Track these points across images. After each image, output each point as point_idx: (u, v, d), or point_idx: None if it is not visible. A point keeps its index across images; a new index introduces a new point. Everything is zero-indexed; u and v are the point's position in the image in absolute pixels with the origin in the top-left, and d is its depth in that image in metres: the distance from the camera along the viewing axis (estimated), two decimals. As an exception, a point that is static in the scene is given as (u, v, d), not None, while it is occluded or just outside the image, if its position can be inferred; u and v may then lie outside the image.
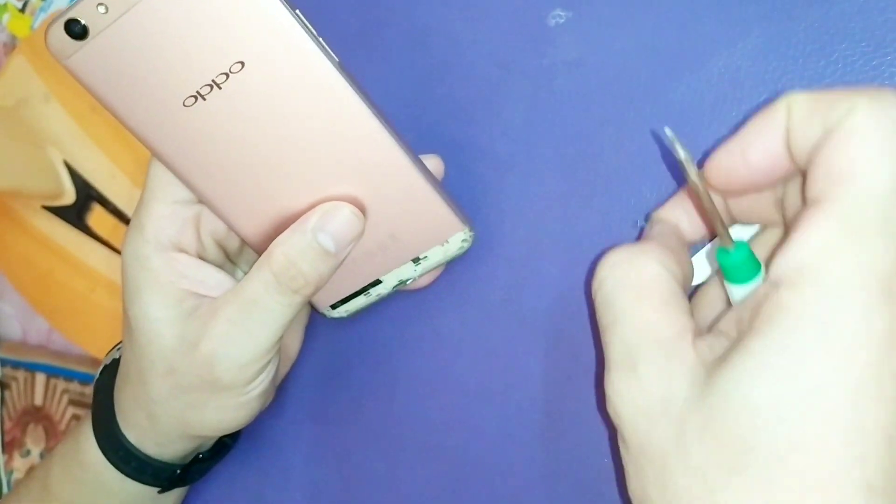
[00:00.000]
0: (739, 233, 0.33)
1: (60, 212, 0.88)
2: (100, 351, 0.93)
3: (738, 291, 0.29)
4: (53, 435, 0.93)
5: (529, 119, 0.39)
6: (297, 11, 0.30)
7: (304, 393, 0.44)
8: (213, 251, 0.38)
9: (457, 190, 0.40)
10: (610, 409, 0.28)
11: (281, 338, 0.36)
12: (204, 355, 0.34)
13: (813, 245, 0.23)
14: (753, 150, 0.27)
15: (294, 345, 0.42)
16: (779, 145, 0.26)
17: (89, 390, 0.90)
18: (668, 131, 0.28)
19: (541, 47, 0.39)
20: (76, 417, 0.93)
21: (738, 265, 0.29)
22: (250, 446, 0.45)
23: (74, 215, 0.89)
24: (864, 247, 0.22)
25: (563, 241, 0.38)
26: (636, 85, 0.37)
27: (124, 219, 0.83)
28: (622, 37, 0.38)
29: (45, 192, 0.87)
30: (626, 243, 0.30)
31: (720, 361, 0.24)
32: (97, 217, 0.88)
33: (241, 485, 0.45)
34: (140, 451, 0.39)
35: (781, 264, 0.24)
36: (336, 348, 0.43)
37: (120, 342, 0.43)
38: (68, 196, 0.89)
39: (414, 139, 0.41)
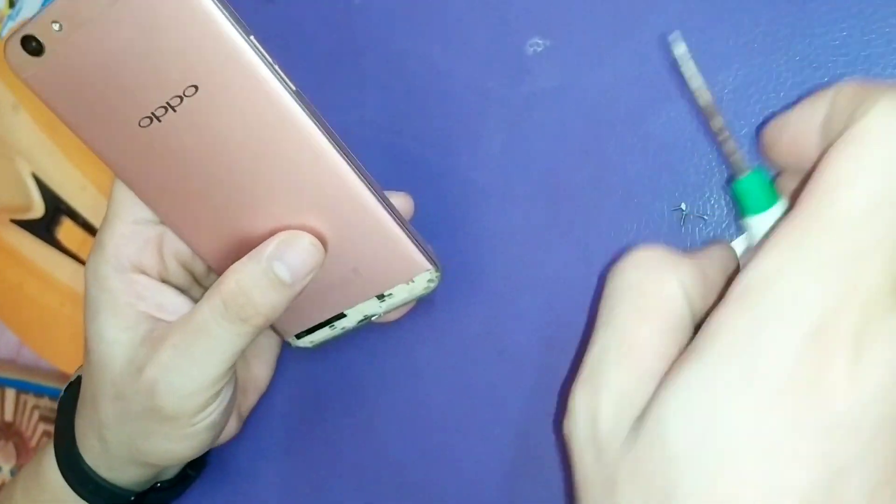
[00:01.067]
0: (737, 246, 0.32)
1: (29, 225, 0.86)
2: (70, 366, 0.92)
3: (757, 225, 0.28)
4: (24, 451, 0.91)
5: (508, 148, 0.38)
6: (252, 38, 0.29)
7: (276, 424, 0.43)
8: (177, 273, 0.37)
9: (433, 220, 0.39)
10: (565, 426, 0.25)
11: (232, 368, 0.34)
12: (147, 382, 0.33)
13: (763, 267, 0.21)
14: (787, 133, 0.25)
15: (263, 374, 0.41)
16: (812, 133, 0.24)
17: (60, 406, 0.89)
18: (676, 47, 0.26)
19: (519, 75, 0.38)
20: (47, 434, 0.91)
21: (754, 189, 0.27)
22: (220, 478, 0.44)
23: (43, 229, 0.87)
24: (811, 282, 0.20)
25: (543, 273, 0.37)
26: (616, 115, 0.37)
27: (94, 232, 0.82)
28: (601, 66, 0.37)
29: (14, 205, 0.86)
30: (664, 245, 0.26)
31: (655, 394, 0.23)
32: (66, 230, 0.87)
33: (213, 518, 0.44)
34: (96, 474, 0.38)
35: (741, 276, 0.22)
36: (311, 380, 0.42)
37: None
38: (37, 209, 0.87)
39: (389, 167, 0.40)
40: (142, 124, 0.31)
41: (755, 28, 0.34)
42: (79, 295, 0.85)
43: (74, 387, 0.40)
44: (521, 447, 0.37)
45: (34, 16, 0.29)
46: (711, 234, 0.35)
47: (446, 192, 0.40)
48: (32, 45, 0.29)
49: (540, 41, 0.38)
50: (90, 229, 0.81)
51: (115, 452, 0.37)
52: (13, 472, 0.90)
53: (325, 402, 0.42)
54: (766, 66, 0.34)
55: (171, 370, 0.33)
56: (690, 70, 0.27)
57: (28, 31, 0.29)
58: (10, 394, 0.91)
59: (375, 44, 0.42)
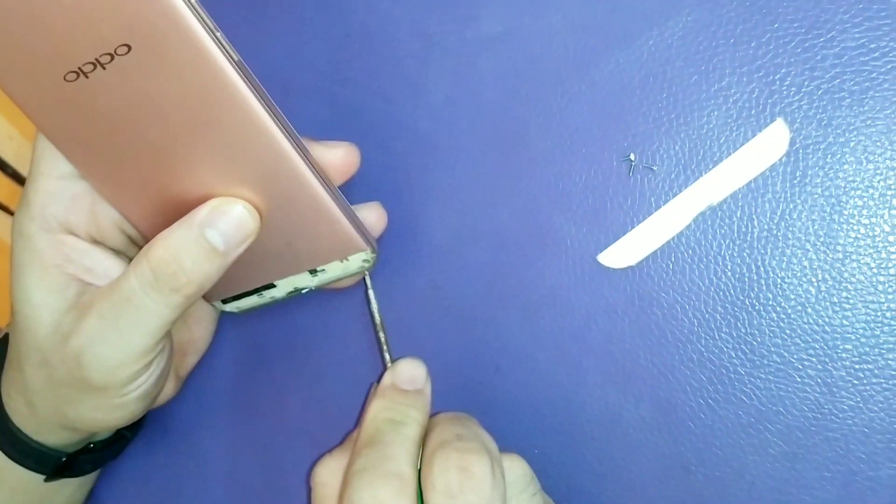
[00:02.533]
0: None
1: (-46, 175, 0.82)
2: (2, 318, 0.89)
3: None
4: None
5: (453, 96, 0.37)
6: (193, 1, 0.27)
7: (219, 383, 0.42)
8: (112, 234, 0.34)
9: (376, 171, 0.38)
10: None
11: (164, 339, 0.33)
12: (73, 351, 0.32)
13: None
14: None
15: (203, 335, 0.40)
16: None
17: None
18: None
19: (464, 20, 0.37)
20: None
21: None
22: (161, 438, 0.43)
23: (-29, 179, 0.83)
24: None
25: (489, 225, 0.37)
26: (563, 62, 0.35)
27: (23, 182, 0.78)
28: (549, 12, 0.36)
29: (-64, 154, 0.82)
30: (372, 470, 0.29)
31: None
32: (-5, 180, 0.83)
33: (158, 478, 0.43)
34: (25, 435, 0.36)
35: None
36: (255, 337, 0.41)
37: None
38: (-37, 160, 0.83)
39: (329, 116, 0.39)
40: (67, 79, 0.29)
41: (705, -29, 0.33)
42: (8, 247, 0.82)
43: (1, 345, 0.38)
44: (465, 399, 0.37)
45: None
46: (660, 184, 0.34)
47: (389, 142, 0.38)
48: None
49: (485, -17, 0.37)
50: (19, 179, 0.78)
51: (43, 416, 0.35)
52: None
53: (270, 360, 0.41)
54: (716, 12, 0.33)
55: (96, 341, 0.31)
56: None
57: None
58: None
59: (312, -16, 0.40)
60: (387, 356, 0.36)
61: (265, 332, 0.41)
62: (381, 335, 0.36)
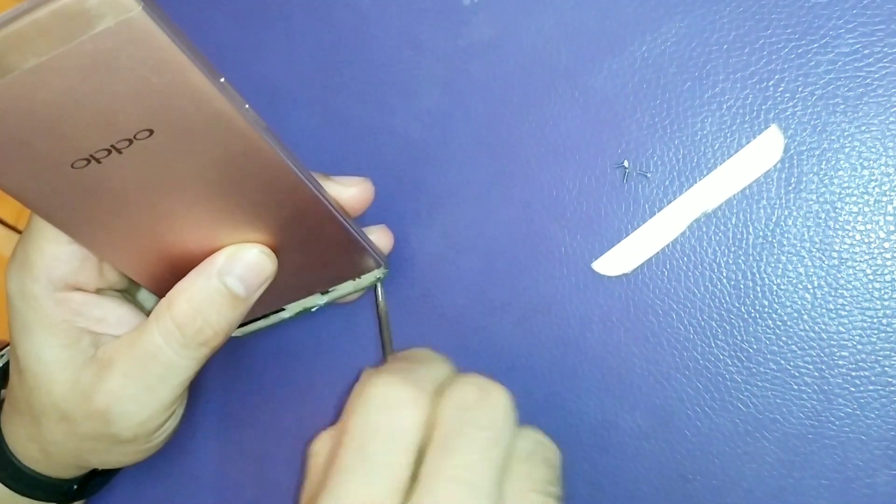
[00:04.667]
0: None
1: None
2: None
3: None
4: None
5: (445, 103, 0.37)
6: (223, 80, 0.25)
7: (211, 395, 0.41)
8: (113, 278, 0.34)
9: (371, 178, 0.37)
10: None
11: (187, 388, 0.33)
12: (98, 410, 0.31)
13: None
14: None
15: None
16: None
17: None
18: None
19: (455, 27, 0.37)
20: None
21: None
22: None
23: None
24: None
25: (483, 233, 0.36)
26: (556, 69, 0.35)
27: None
28: (541, 17, 0.35)
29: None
30: (399, 374, 0.28)
31: None
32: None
33: (148, 491, 0.42)
34: (35, 472, 0.36)
35: None
36: (247, 349, 0.41)
37: (2, 347, 0.39)
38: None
39: (320, 123, 0.39)
40: (75, 166, 0.26)
41: (698, -23, 0.33)
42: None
43: None
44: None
45: None
46: (655, 191, 0.34)
47: (381, 150, 0.38)
48: None
49: (477, -10, 0.36)
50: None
51: (59, 461, 0.35)
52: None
53: (262, 371, 0.40)
54: (709, 18, 0.33)
55: (123, 399, 0.31)
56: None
57: None
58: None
59: (303, -8, 0.39)
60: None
61: (256, 341, 0.40)
62: (387, 334, 0.36)
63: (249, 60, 0.40)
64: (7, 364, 0.37)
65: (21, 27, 0.21)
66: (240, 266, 0.30)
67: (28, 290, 0.31)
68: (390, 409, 0.26)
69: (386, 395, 0.26)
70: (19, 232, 0.80)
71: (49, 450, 0.34)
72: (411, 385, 0.27)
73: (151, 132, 0.25)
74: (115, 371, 0.31)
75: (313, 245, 0.32)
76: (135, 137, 0.25)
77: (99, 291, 0.33)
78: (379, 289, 0.37)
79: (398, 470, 0.25)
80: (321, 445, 0.29)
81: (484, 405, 0.26)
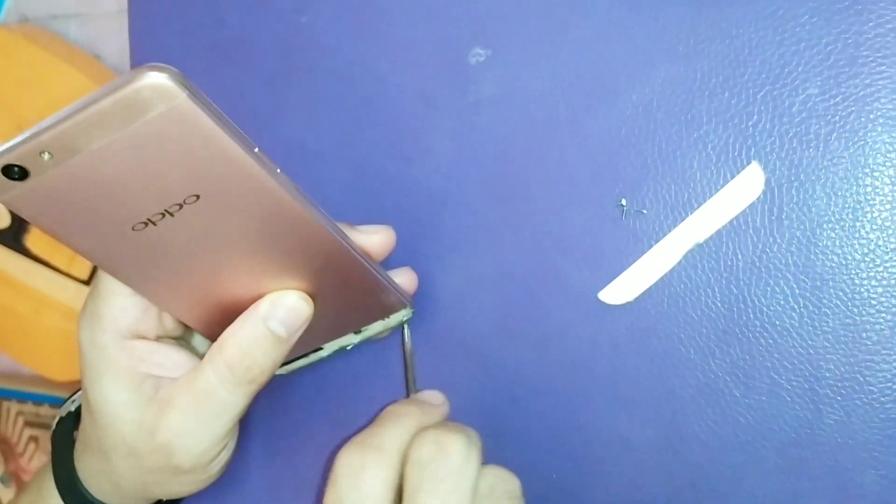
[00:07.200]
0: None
1: (-4, 236, 0.86)
2: (49, 370, 0.93)
3: None
4: (12, 457, 0.93)
5: (458, 154, 0.41)
6: (257, 150, 0.29)
7: (260, 429, 0.45)
8: (171, 325, 0.38)
9: (393, 225, 0.41)
10: None
11: (237, 423, 0.37)
12: (161, 444, 0.35)
13: None
14: None
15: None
16: None
17: (44, 411, 0.90)
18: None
19: (463, 84, 0.41)
20: (33, 439, 0.93)
21: None
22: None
23: (11, 238, 0.88)
24: None
25: (498, 269, 0.40)
26: (556, 119, 0.39)
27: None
28: (540, 73, 0.39)
29: (-22, 217, 0.86)
30: (360, 441, 0.33)
31: None
32: (35, 238, 0.88)
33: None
34: None
35: None
36: (290, 386, 0.45)
37: (75, 392, 0.43)
38: (3, 219, 0.88)
39: (345, 177, 0.43)
40: (135, 228, 0.30)
41: (678, 31, 0.37)
42: (53, 300, 0.86)
43: (66, 422, 0.42)
44: (484, 429, 0.40)
45: (18, 140, 0.26)
46: (651, 226, 0.37)
47: (403, 199, 0.42)
48: (15, 172, 0.26)
49: (481, 51, 0.40)
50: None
51: (128, 493, 0.39)
52: (3, 479, 0.92)
53: (304, 406, 0.44)
54: (691, 67, 0.37)
55: (183, 434, 0.35)
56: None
57: (11, 160, 0.26)
58: (-7, 402, 0.92)
59: (325, 60, 0.43)
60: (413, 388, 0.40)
61: (299, 378, 0.44)
62: (411, 370, 0.40)
63: (279, 123, 0.44)
64: (79, 407, 0.41)
65: (88, 115, 0.25)
66: (281, 311, 0.34)
67: (98, 340, 0.35)
68: (354, 476, 0.32)
69: (350, 464, 0.32)
70: (75, 278, 0.85)
71: (119, 483, 0.38)
72: (371, 450, 0.32)
73: (198, 197, 0.29)
74: (175, 409, 0.35)
75: (344, 289, 0.36)
76: (184, 202, 0.29)
77: (158, 339, 0.37)
78: (406, 329, 0.41)
79: None
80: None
81: (440, 458, 0.31)
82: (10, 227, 0.88)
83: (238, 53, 0.45)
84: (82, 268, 0.84)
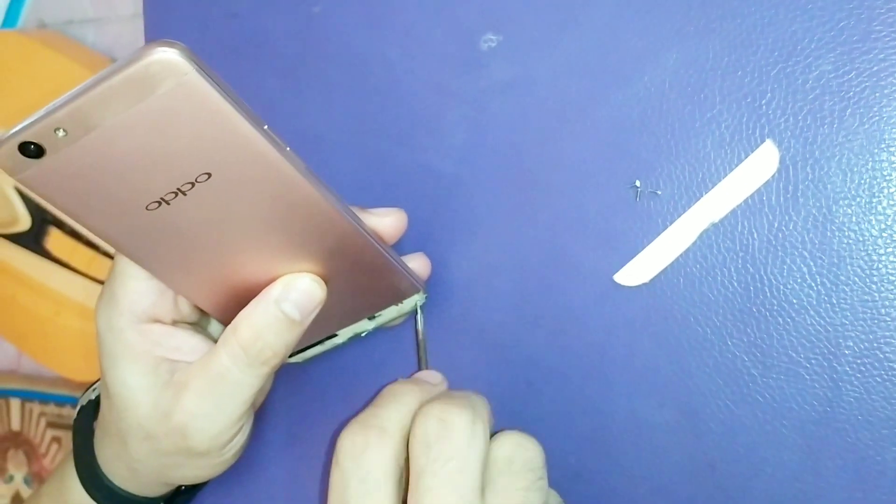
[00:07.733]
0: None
1: (17, 238, 0.87)
2: (71, 371, 0.94)
3: None
4: (35, 458, 0.94)
5: (470, 140, 0.41)
6: (266, 127, 0.29)
7: (280, 418, 0.45)
8: (187, 310, 0.39)
9: (408, 213, 0.41)
10: None
11: (252, 404, 0.37)
12: (176, 426, 0.36)
13: None
14: None
15: (271, 382, 0.44)
16: None
17: (66, 411, 0.91)
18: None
19: (475, 70, 0.41)
20: (56, 440, 0.93)
21: None
22: (232, 470, 0.46)
23: (32, 240, 0.89)
24: None
25: (513, 255, 0.40)
26: (567, 103, 0.39)
27: (82, 239, 0.84)
28: (551, 58, 0.39)
29: (0, 220, 0.87)
30: (361, 421, 0.33)
31: None
32: (55, 240, 0.88)
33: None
34: (124, 492, 0.40)
35: None
36: (307, 374, 0.45)
37: (94, 382, 0.44)
38: (23, 222, 0.89)
39: (361, 166, 0.43)
40: (149, 208, 0.30)
41: (689, 11, 0.37)
42: (73, 302, 0.87)
43: (87, 410, 0.42)
44: (502, 414, 0.40)
45: (34, 117, 0.27)
46: (665, 207, 0.37)
47: (417, 185, 0.42)
48: (31, 149, 0.27)
49: (493, 37, 0.40)
50: (78, 237, 0.83)
51: (145, 478, 0.40)
52: (26, 480, 0.93)
53: (322, 393, 0.44)
54: (703, 47, 0.37)
55: (198, 416, 0.35)
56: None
57: (27, 137, 0.27)
58: (15, 403, 0.93)
59: (338, 50, 0.44)
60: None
61: (316, 367, 0.44)
62: (423, 355, 0.40)
63: (295, 113, 0.44)
64: (98, 397, 0.42)
65: (100, 91, 0.26)
66: (294, 293, 0.34)
67: (115, 324, 0.36)
68: (356, 457, 0.32)
69: (352, 444, 0.32)
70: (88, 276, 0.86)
71: (136, 468, 0.39)
72: (372, 429, 0.32)
73: (210, 175, 0.30)
74: (190, 392, 0.35)
75: (357, 272, 0.36)
76: (196, 180, 0.30)
77: (174, 323, 0.38)
78: (419, 315, 0.41)
79: None
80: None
81: (446, 436, 0.31)
82: (30, 230, 0.89)
83: (252, 46, 0.46)
84: (101, 268, 0.85)
